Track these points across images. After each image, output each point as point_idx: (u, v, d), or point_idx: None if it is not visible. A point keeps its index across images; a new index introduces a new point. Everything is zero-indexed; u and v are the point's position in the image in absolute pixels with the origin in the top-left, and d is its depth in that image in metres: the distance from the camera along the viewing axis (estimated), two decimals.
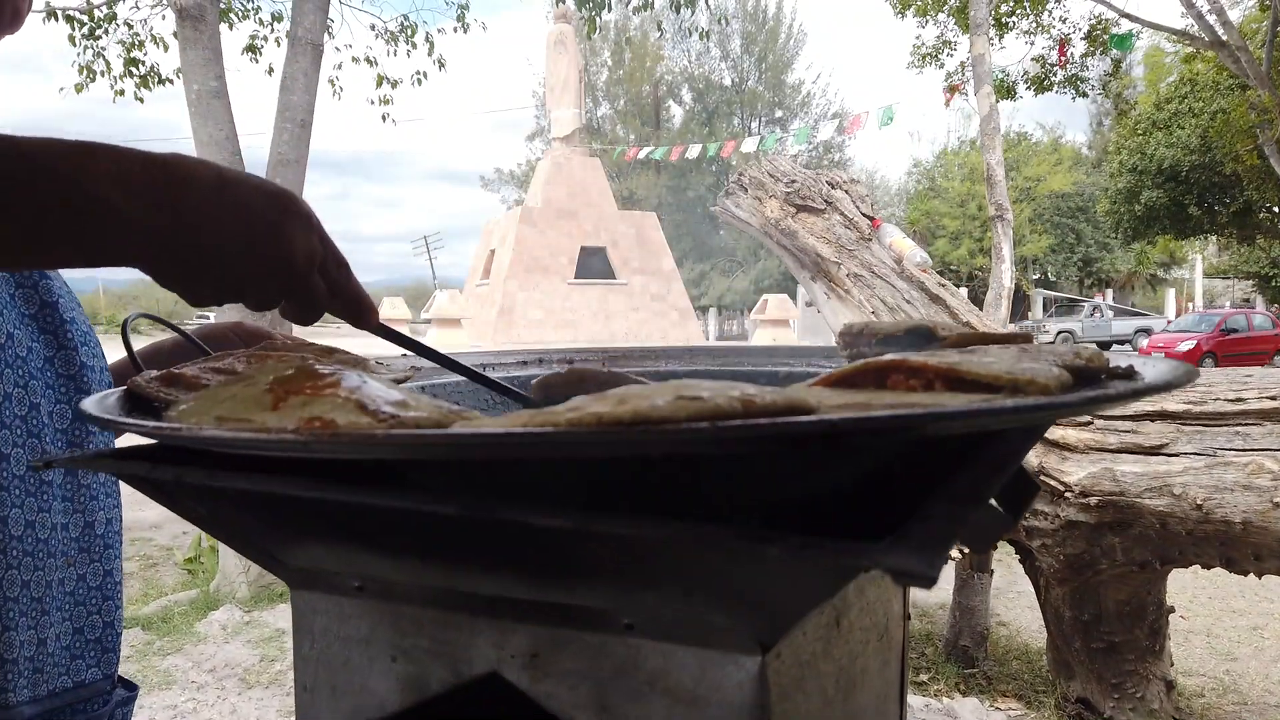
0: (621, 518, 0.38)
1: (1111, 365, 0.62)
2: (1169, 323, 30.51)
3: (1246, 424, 2.36)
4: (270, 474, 0.41)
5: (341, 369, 0.49)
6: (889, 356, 0.46)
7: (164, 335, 0.92)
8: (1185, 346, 21.72)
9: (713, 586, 0.43)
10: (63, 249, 0.51)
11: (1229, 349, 22.11)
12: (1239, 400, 2.38)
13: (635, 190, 39.53)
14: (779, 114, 41.76)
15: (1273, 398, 2.33)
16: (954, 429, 0.38)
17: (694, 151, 24.79)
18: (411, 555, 0.51)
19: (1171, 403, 2.49)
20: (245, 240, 0.54)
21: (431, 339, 22.89)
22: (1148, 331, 35.15)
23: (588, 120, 33.44)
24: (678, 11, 5.63)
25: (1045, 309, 40.56)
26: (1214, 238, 21.36)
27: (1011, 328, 3.35)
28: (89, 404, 0.48)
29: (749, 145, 24.49)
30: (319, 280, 0.60)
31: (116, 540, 0.89)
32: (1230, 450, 2.36)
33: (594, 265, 27.75)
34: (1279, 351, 22.65)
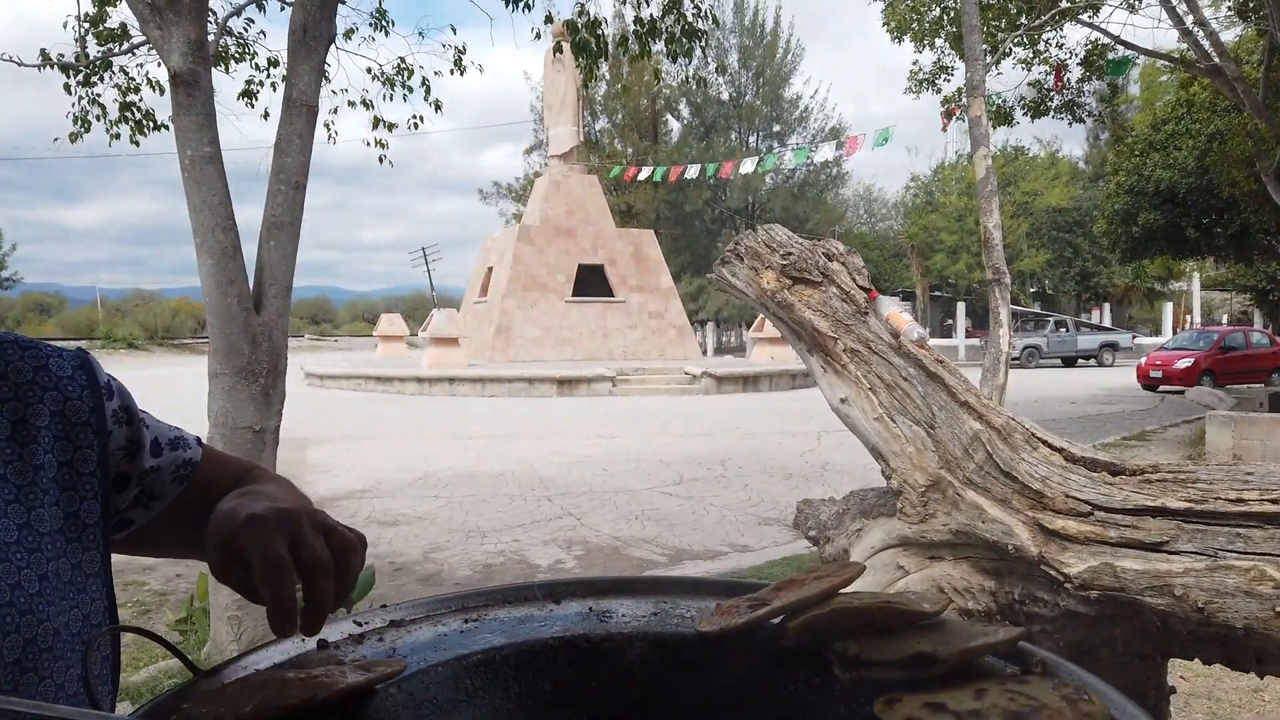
0: None
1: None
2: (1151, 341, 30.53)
3: (1248, 526, 2.34)
4: None
5: None
6: None
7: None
8: (1183, 364, 21.73)
9: None
10: None
11: (1227, 367, 22.13)
12: (1240, 501, 2.36)
13: (633, 204, 39.58)
14: (777, 128, 41.86)
15: (1274, 500, 2.31)
16: None
17: (693, 172, 24.79)
18: None
19: (1172, 500, 2.46)
20: None
21: (430, 358, 22.88)
22: (1114, 346, 35.17)
23: (586, 134, 33.49)
24: (674, 60, 5.63)
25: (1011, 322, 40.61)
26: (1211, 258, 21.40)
27: (1005, 408, 3.34)
28: None
29: (747, 165, 24.51)
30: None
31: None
32: (1231, 552, 2.34)
33: (592, 283, 27.75)
34: (1277, 369, 22.67)
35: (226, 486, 0.94)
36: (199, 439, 0.96)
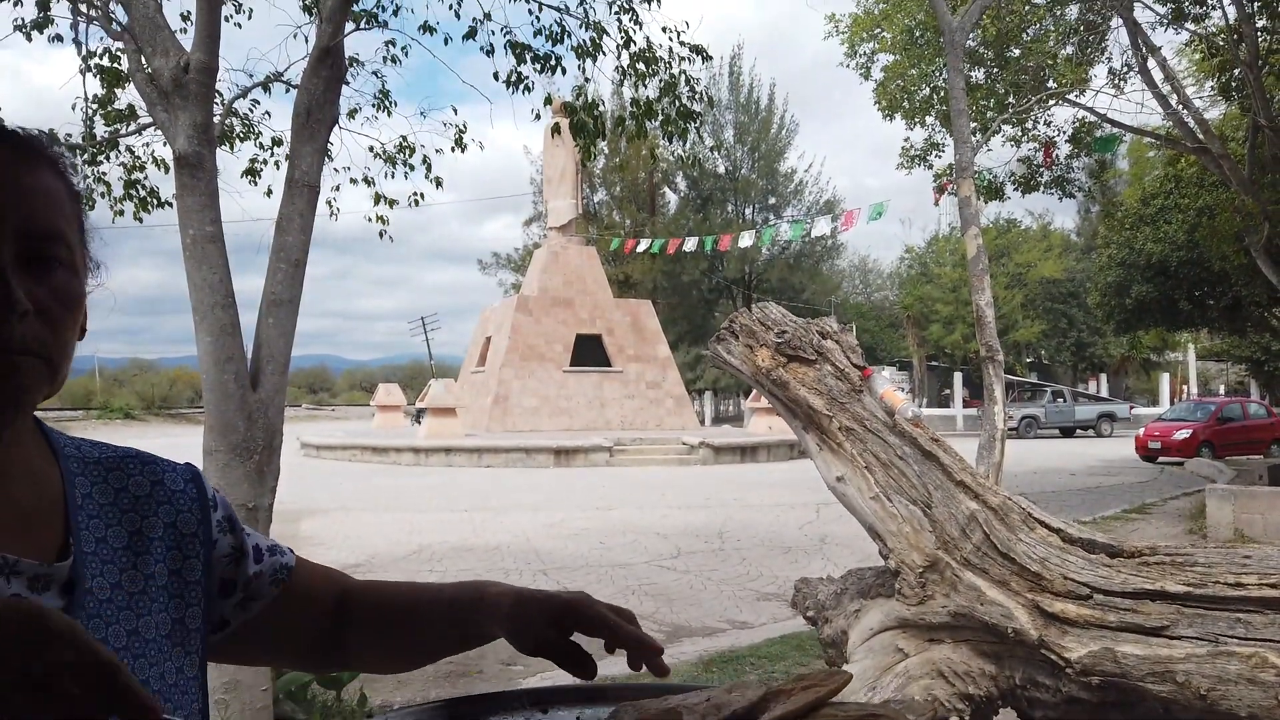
0: None
1: None
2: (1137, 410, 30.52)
3: (1248, 611, 2.32)
4: None
5: None
6: None
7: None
8: (1181, 435, 21.69)
9: None
10: None
11: (1225, 438, 22.09)
12: (1239, 585, 2.34)
13: (631, 274, 39.93)
14: (772, 200, 42.44)
15: (1273, 585, 2.29)
16: None
17: (691, 244, 25.15)
18: None
19: (1171, 583, 2.45)
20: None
21: (426, 428, 22.81)
22: (1111, 417, 35.24)
23: (584, 206, 33.99)
24: (670, 140, 5.75)
25: (1008, 393, 40.68)
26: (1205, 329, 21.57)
27: (998, 487, 3.32)
28: None
29: (746, 239, 24.90)
30: None
31: None
32: (1233, 638, 2.31)
33: (589, 353, 27.83)
34: (1275, 441, 22.63)
35: (323, 591, 1.01)
36: (291, 549, 1.03)
